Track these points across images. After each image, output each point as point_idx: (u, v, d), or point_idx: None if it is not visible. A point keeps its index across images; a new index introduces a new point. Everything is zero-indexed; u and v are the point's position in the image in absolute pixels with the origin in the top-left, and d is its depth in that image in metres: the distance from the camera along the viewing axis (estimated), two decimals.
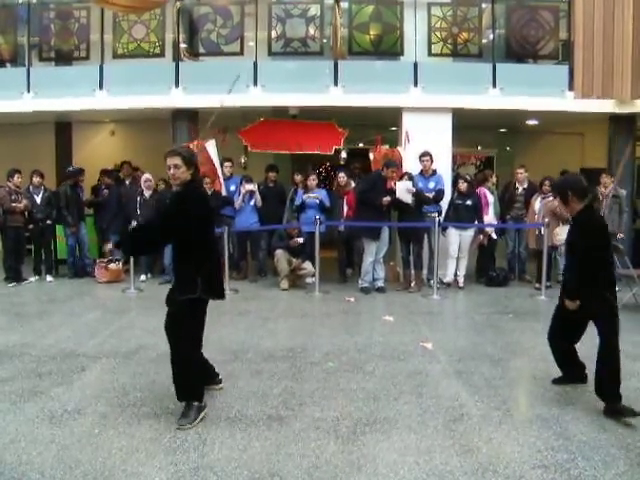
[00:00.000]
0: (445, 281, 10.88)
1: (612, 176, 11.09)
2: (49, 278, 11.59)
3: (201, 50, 12.19)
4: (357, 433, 4.66)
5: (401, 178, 10.57)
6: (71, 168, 12.11)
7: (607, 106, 11.73)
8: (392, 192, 10.34)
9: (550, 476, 4.03)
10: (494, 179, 11.77)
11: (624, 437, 4.56)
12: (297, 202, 11.48)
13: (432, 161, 11.03)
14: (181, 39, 12.10)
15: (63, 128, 15.18)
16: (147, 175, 11.58)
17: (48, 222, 11.69)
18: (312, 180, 11.43)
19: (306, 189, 11.44)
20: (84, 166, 12.63)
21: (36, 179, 11.55)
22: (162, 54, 12.07)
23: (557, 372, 6.16)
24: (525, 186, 11.52)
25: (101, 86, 11.88)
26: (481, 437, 4.62)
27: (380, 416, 4.98)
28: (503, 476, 4.02)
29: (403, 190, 10.32)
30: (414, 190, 10.37)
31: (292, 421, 4.89)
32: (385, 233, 10.61)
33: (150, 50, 12.04)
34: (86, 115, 13.50)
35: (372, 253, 10.44)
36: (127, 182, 12.46)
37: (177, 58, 11.94)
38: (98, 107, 12.08)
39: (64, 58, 12.46)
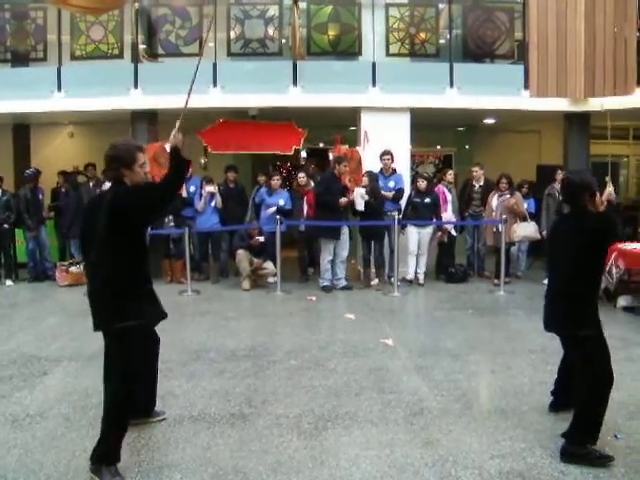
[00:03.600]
0: (406, 278, 11.00)
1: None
2: (8, 282, 11.46)
3: (160, 51, 12.13)
4: (319, 429, 4.74)
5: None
6: (29, 171, 11.96)
7: (562, 104, 11.95)
8: (347, 189, 10.47)
9: (508, 465, 4.15)
10: (450, 177, 11.90)
11: None
12: (257, 200, 11.56)
13: (393, 160, 11.14)
14: (140, 40, 12.03)
15: (21, 130, 14.98)
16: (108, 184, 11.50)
17: (6, 226, 11.55)
18: (276, 181, 11.47)
19: (270, 189, 11.47)
20: (43, 168, 12.50)
21: None
22: (121, 55, 11.95)
23: (516, 365, 6.32)
24: (481, 183, 11.70)
25: (59, 88, 11.73)
26: (441, 429, 4.73)
27: (342, 412, 5.06)
28: (462, 466, 4.13)
29: (357, 196, 10.45)
30: (367, 198, 10.46)
31: (255, 419, 4.94)
32: (345, 233, 10.71)
33: (108, 51, 11.92)
34: (44, 117, 13.35)
35: (330, 252, 10.54)
36: (91, 184, 12.33)
37: (136, 59, 11.86)
38: (56, 109, 11.94)
39: (21, 59, 12.27)
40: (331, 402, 5.29)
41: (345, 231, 10.74)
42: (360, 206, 10.46)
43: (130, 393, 4.06)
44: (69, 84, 11.72)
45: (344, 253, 10.72)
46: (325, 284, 10.56)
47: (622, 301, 8.98)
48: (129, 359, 4.05)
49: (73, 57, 11.93)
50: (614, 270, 8.85)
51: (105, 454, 3.98)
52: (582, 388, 4.32)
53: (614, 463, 4.13)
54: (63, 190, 12.47)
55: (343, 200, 10.34)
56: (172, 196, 4.41)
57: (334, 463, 4.19)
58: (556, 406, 5.02)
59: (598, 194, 4.53)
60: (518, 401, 5.29)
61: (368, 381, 5.85)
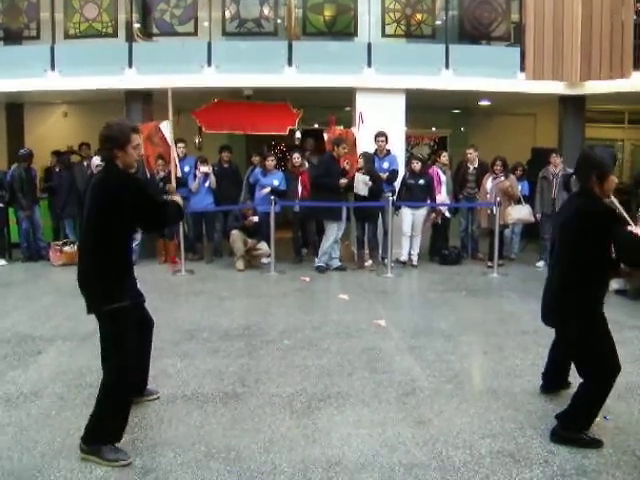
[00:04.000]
0: (400, 260, 11.01)
1: (562, 156, 11.28)
2: (2, 262, 11.39)
3: (154, 30, 12.04)
4: (312, 408, 4.78)
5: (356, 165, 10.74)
6: (23, 151, 11.90)
7: (557, 87, 11.93)
8: (345, 171, 10.49)
9: (498, 444, 4.19)
10: (445, 159, 11.90)
11: None
12: (252, 180, 11.55)
13: (387, 141, 11.14)
14: (134, 19, 11.94)
15: (14, 109, 14.93)
16: (97, 159, 11.45)
17: (1, 205, 11.49)
18: (270, 161, 11.48)
19: (264, 169, 11.47)
20: (37, 148, 12.46)
21: None
22: (115, 34, 11.85)
23: (508, 346, 6.36)
24: (476, 165, 11.72)
25: (53, 67, 11.64)
26: (433, 409, 4.77)
27: (334, 391, 5.10)
28: (453, 446, 4.17)
29: (361, 183, 10.48)
30: (371, 184, 10.47)
31: (248, 398, 4.98)
32: (344, 214, 10.75)
33: (102, 30, 11.81)
34: (38, 96, 13.30)
35: (334, 234, 10.57)
36: (85, 164, 12.29)
37: (130, 38, 11.78)
38: (50, 88, 11.87)
39: (13, 37, 12.18)
40: (324, 381, 5.33)
41: (344, 210, 10.76)
42: (363, 192, 10.48)
43: (126, 372, 4.07)
44: (63, 63, 11.64)
45: (339, 234, 10.74)
46: (320, 264, 10.58)
47: (614, 284, 9.00)
48: (123, 340, 4.05)
49: (67, 36, 11.84)
50: None
51: (104, 433, 4.01)
52: (586, 380, 4.22)
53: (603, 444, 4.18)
54: (56, 170, 12.40)
55: (343, 181, 10.36)
56: (157, 217, 4.39)
57: (326, 442, 4.23)
58: (547, 388, 5.05)
59: (613, 177, 4.25)
60: (510, 382, 5.33)
61: (361, 361, 5.89)
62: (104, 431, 4.02)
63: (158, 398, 4.94)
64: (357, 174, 10.55)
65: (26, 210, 11.50)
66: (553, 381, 5.03)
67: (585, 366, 4.24)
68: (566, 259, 4.26)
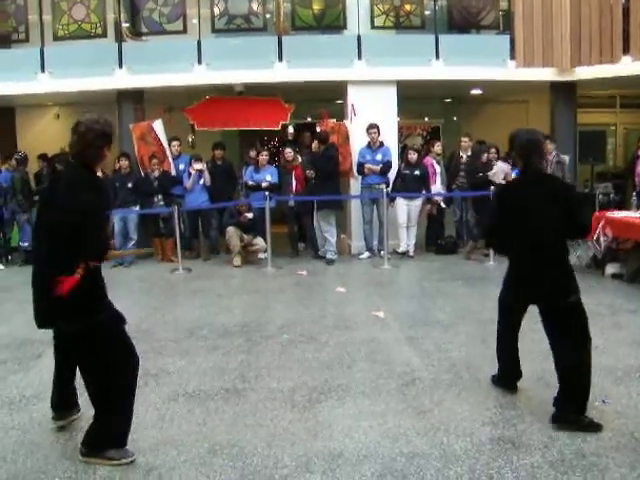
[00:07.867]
0: (397, 251, 11.03)
1: (555, 142, 11.29)
2: (0, 267, 11.41)
3: (144, 29, 12.05)
4: (312, 401, 4.80)
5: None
6: (20, 154, 11.86)
7: (548, 74, 11.94)
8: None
9: (499, 431, 4.23)
10: (439, 148, 11.92)
11: None
12: (246, 178, 11.55)
13: (379, 133, 11.15)
14: (123, 19, 11.93)
15: (6, 113, 14.89)
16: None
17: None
18: (263, 156, 11.50)
19: (257, 165, 11.49)
20: (30, 151, 12.44)
21: None
22: (104, 35, 11.87)
23: None
24: (469, 154, 11.72)
25: (43, 69, 11.63)
26: (432, 399, 4.80)
27: (334, 384, 5.13)
28: (454, 434, 4.20)
29: (501, 171, 10.48)
30: (509, 173, 10.45)
31: (249, 393, 5.00)
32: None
33: (91, 31, 11.83)
34: (29, 99, 13.26)
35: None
36: None
37: (119, 38, 11.77)
38: (40, 91, 11.85)
39: (2, 41, 12.14)
40: (324, 375, 5.35)
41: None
42: (500, 179, 10.39)
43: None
44: (53, 65, 11.62)
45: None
46: (330, 257, 10.76)
47: (610, 269, 9.05)
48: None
49: (56, 37, 11.84)
50: (602, 238, 8.92)
51: (109, 438, 3.98)
52: (576, 348, 4.25)
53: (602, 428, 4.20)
54: (44, 173, 12.39)
55: (309, 172, 10.71)
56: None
57: (328, 434, 4.25)
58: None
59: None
60: None
61: (360, 353, 5.92)
62: (109, 436, 3.98)
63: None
64: (498, 164, 10.61)
65: (26, 213, 11.43)
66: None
67: (579, 329, 4.31)
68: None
